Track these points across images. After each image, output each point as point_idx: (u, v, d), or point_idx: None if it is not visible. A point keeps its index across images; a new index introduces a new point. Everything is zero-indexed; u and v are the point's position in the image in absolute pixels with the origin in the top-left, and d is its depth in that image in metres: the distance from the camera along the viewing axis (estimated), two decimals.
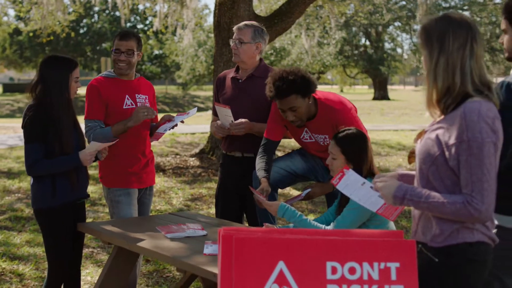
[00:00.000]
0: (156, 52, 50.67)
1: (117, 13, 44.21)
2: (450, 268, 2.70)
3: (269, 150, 4.57)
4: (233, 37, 4.86)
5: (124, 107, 4.84)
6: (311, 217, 4.85)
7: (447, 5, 37.78)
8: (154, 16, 23.17)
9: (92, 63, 47.78)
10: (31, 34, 23.46)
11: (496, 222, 3.06)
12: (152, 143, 5.22)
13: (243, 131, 4.71)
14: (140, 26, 46.86)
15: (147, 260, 6.31)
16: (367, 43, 46.68)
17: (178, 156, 12.71)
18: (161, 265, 6.18)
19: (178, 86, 51.86)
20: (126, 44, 4.81)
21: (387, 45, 47.49)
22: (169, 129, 4.87)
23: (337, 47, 38.19)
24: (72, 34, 28.81)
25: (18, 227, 7.62)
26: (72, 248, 4.46)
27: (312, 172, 4.72)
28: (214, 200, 6.07)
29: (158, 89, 56.80)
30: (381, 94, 46.47)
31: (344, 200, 3.81)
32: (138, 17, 45.71)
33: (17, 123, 22.88)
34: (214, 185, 9.32)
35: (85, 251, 6.52)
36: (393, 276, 2.58)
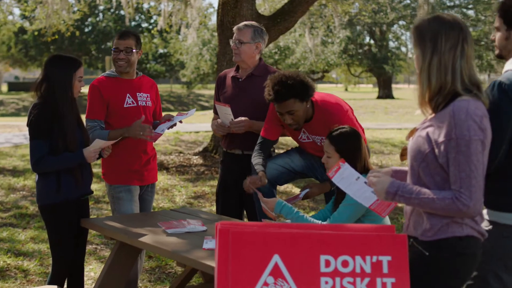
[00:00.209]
0: (160, 50, 50.72)
1: (122, 12, 44.26)
2: (440, 261, 2.79)
3: (265, 148, 4.66)
4: (233, 37, 4.95)
5: (125, 106, 4.96)
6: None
7: (452, 3, 37.75)
8: (159, 15, 23.26)
9: (97, 62, 47.87)
10: (36, 33, 23.56)
11: (489, 218, 3.16)
12: (156, 142, 5.32)
13: (242, 129, 4.80)
14: (144, 25, 46.92)
15: (149, 256, 6.41)
16: (372, 42, 46.67)
17: (181, 155, 12.81)
18: (164, 261, 6.28)
19: (183, 84, 51.90)
20: (125, 43, 4.92)
21: (391, 44, 47.46)
22: (167, 129, 4.96)
23: (341, 46, 38.22)
24: (77, 33, 28.92)
25: (22, 224, 7.72)
26: (76, 244, 4.57)
27: (310, 170, 4.80)
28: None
29: (163, 87, 56.86)
30: (385, 92, 46.48)
31: (340, 196, 3.90)
32: (142, 16, 45.76)
33: (22, 122, 23.01)
34: (217, 183, 9.42)
35: (89, 247, 6.62)
36: (385, 269, 2.67)
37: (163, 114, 5.20)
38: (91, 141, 4.56)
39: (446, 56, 2.76)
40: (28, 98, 38.68)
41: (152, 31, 33.14)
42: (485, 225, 3.16)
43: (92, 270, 5.99)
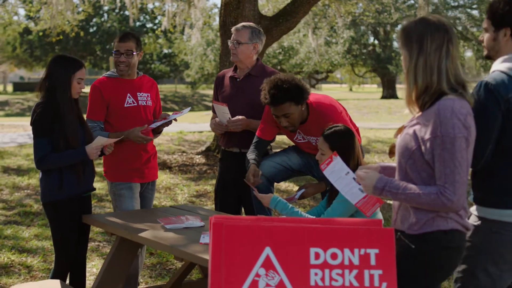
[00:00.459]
0: (165, 51, 50.84)
1: (127, 13, 44.38)
2: (426, 254, 2.90)
3: (260, 147, 4.77)
4: (231, 38, 5.07)
5: (125, 106, 5.08)
6: None
7: (456, 3, 37.77)
8: (163, 15, 23.33)
9: (101, 62, 47.97)
10: (41, 33, 23.64)
11: (478, 214, 3.27)
12: (160, 141, 5.45)
13: (240, 128, 4.91)
14: (149, 25, 47.05)
15: (151, 253, 6.53)
16: (376, 42, 46.71)
17: (184, 154, 12.92)
18: (165, 257, 6.39)
19: (187, 85, 52.05)
20: (125, 45, 5.04)
21: (395, 44, 47.41)
22: (162, 127, 5.13)
23: (345, 46, 38.27)
24: (82, 33, 29.04)
25: (27, 221, 7.85)
26: (78, 240, 4.68)
27: (307, 168, 4.91)
28: None
29: (167, 88, 57.00)
30: (389, 93, 46.53)
31: (334, 193, 4.00)
32: (147, 16, 45.88)
33: (27, 122, 23.12)
34: None
35: (91, 244, 6.75)
36: (373, 262, 2.78)
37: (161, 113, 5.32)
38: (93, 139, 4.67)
39: (432, 56, 2.87)
40: (33, 98, 38.86)
41: (156, 32, 33.24)
42: (474, 221, 3.27)
43: (95, 267, 6.11)
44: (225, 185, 5.23)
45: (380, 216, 4.01)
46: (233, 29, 5.12)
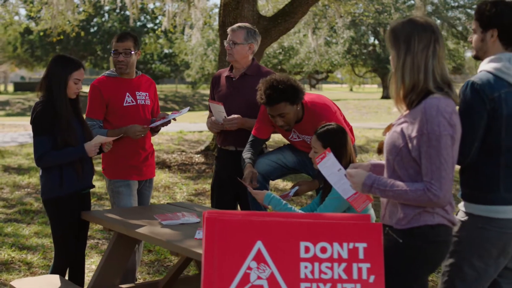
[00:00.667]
0: (166, 51, 50.91)
1: (127, 12, 44.43)
2: (413, 248, 2.99)
3: (255, 146, 4.86)
4: (227, 39, 5.16)
5: (124, 105, 5.17)
6: None
7: (456, 3, 37.82)
8: (164, 15, 23.39)
9: (102, 62, 48.05)
10: (41, 33, 23.72)
11: (465, 210, 3.36)
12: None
13: (235, 126, 5.00)
14: (150, 25, 47.11)
15: (149, 250, 6.62)
16: (376, 42, 46.77)
17: (184, 153, 13.01)
18: (162, 254, 6.48)
19: (188, 84, 52.13)
20: (123, 45, 5.13)
21: None
22: (161, 126, 5.22)
23: (345, 46, 38.33)
24: (82, 33, 29.12)
25: (27, 219, 7.94)
26: (78, 236, 4.77)
27: (302, 166, 5.00)
28: None
29: (168, 87, 57.09)
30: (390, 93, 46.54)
31: (327, 189, 4.08)
32: (148, 16, 45.95)
33: (27, 121, 23.07)
34: None
35: (91, 242, 6.84)
36: (361, 255, 2.87)
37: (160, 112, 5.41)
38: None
39: (419, 56, 2.96)
40: (34, 98, 38.94)
41: (157, 32, 33.31)
42: (462, 216, 3.36)
43: (93, 263, 6.20)
44: (221, 183, 5.31)
45: (372, 213, 4.09)
46: (229, 29, 5.21)
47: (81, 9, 23.33)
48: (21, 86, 59.27)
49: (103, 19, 47.40)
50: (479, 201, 3.30)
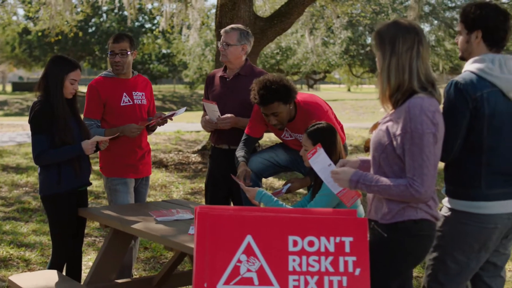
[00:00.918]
0: (163, 51, 50.95)
1: (125, 13, 44.46)
2: (397, 242, 3.10)
3: (248, 144, 4.96)
4: (221, 40, 5.27)
5: (121, 104, 5.29)
6: None
7: (453, 4, 37.88)
8: (161, 15, 23.46)
9: (100, 62, 48.05)
10: (40, 33, 23.86)
11: (448, 205, 3.47)
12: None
13: (229, 125, 5.10)
14: (148, 25, 47.14)
15: (145, 247, 6.73)
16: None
17: (180, 153, 13.11)
18: (158, 252, 6.59)
19: (186, 85, 52.16)
20: (119, 46, 5.24)
21: None
22: (158, 125, 5.39)
23: (343, 47, 38.38)
24: (80, 33, 29.17)
25: (25, 217, 8.05)
26: (76, 232, 4.88)
27: (294, 164, 5.10)
28: None
29: (166, 88, 57.14)
30: None
31: (317, 186, 4.18)
32: (146, 17, 45.99)
33: (25, 121, 23.26)
34: None
35: (88, 239, 6.95)
36: (347, 249, 3.00)
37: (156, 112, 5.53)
38: (91, 137, 4.87)
39: (403, 57, 3.07)
40: (32, 98, 39.00)
41: (155, 32, 33.36)
42: (445, 212, 3.48)
43: (90, 260, 6.30)
44: (215, 181, 5.41)
45: (361, 209, 4.20)
46: (222, 31, 5.32)
47: (79, 10, 23.38)
48: (19, 86, 59.32)
49: (101, 20, 47.40)
50: (461, 197, 3.41)
